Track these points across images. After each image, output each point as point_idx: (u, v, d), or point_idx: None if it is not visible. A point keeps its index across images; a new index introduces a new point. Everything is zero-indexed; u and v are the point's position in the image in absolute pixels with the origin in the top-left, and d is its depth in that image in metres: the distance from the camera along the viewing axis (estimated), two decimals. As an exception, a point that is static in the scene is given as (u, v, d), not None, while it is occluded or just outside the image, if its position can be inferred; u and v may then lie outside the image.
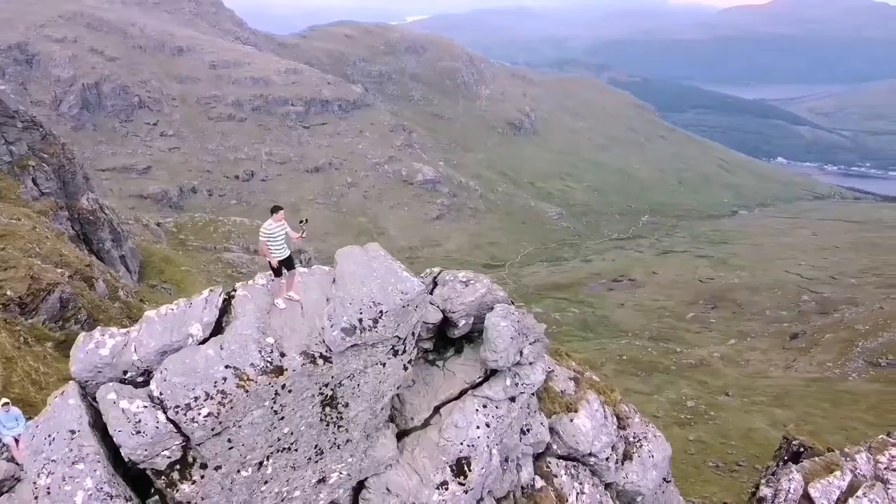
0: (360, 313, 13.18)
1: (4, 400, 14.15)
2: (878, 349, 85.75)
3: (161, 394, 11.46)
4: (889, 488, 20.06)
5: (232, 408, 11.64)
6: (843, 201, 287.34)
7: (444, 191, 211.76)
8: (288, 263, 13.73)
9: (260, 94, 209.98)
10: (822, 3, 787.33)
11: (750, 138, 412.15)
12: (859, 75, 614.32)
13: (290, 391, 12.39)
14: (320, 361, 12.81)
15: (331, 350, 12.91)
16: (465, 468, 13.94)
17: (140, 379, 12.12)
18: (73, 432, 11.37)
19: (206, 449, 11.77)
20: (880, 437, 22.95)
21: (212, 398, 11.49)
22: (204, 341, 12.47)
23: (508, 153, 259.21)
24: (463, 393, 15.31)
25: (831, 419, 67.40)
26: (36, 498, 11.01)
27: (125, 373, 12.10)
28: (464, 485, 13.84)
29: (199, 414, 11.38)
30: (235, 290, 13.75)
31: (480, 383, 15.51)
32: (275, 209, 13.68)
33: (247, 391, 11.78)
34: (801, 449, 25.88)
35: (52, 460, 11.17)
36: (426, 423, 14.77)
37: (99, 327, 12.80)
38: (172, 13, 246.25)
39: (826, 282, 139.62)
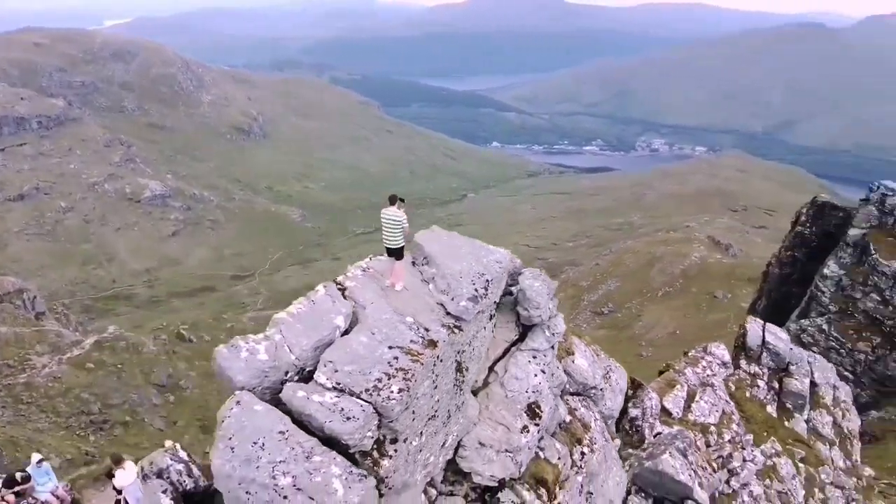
0: (474, 284, 15.11)
1: (39, 457, 14.29)
2: (599, 300, 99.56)
3: (338, 383, 12.16)
4: (717, 390, 25.41)
5: (415, 381, 12.52)
6: (551, 176, 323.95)
7: (177, 205, 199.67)
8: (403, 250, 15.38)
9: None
10: (513, 1, 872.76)
11: (467, 126, 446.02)
12: (548, 64, 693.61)
13: (441, 360, 13.54)
14: (456, 330, 14.24)
15: (461, 319, 14.48)
16: (537, 411, 15.65)
17: (296, 378, 12.61)
18: (283, 433, 11.49)
19: (399, 423, 12.35)
20: (690, 352, 28.22)
21: (394, 377, 12.38)
22: (345, 332, 13.42)
23: (240, 159, 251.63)
24: (506, 351, 16.91)
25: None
26: (285, 497, 10.80)
27: (286, 373, 12.57)
28: (539, 425, 15.59)
29: (392, 391, 12.13)
30: (343, 283, 14.81)
31: (517, 340, 17.23)
32: (396, 198, 15.31)
33: (422, 364, 12.85)
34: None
35: (281, 461, 11.05)
36: (486, 383, 16.26)
37: (237, 336, 12.99)
38: None
39: (550, 248, 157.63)
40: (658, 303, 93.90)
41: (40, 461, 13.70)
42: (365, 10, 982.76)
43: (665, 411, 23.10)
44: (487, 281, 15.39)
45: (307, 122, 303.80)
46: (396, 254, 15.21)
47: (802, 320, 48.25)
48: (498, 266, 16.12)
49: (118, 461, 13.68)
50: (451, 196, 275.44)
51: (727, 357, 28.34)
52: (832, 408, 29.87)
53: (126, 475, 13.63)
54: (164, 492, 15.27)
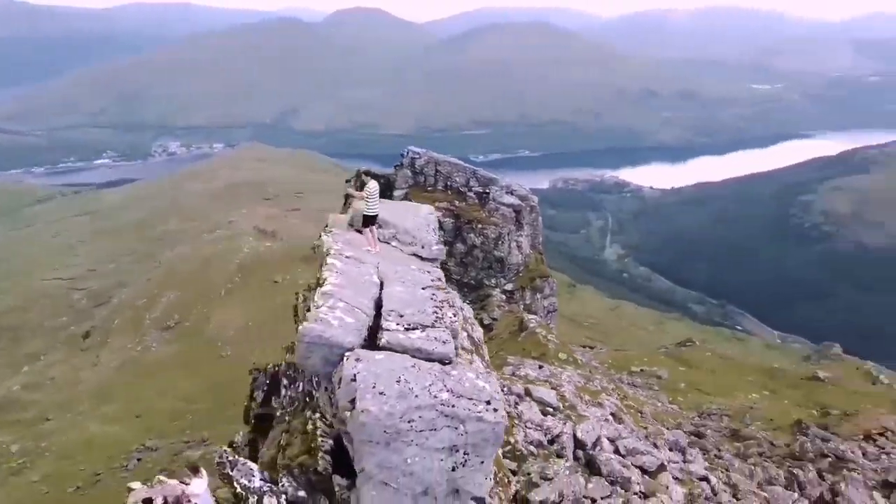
0: (429, 233, 19.41)
1: None
2: (162, 315, 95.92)
3: (409, 324, 14.40)
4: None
5: (455, 306, 15.65)
6: (66, 198, 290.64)
7: None
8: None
9: None
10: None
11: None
12: (31, 76, 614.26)
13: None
14: (437, 270, 18.34)
15: (436, 260, 18.94)
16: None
17: (366, 332, 14.37)
18: (413, 366, 13.20)
19: (459, 340, 14.86)
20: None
21: (442, 307, 15.24)
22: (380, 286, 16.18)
23: None
24: None
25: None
26: (453, 406, 12.43)
27: (367, 329, 14.35)
28: (456, 338, 18.32)
29: (450, 316, 14.94)
30: (342, 252, 17.31)
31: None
32: (371, 173, 16.96)
33: (449, 293, 16.13)
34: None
35: (430, 384, 12.73)
36: None
37: (317, 310, 14.37)
38: None
39: (88, 276, 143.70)
40: (223, 302, 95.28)
41: None
42: None
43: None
44: (433, 228, 19.88)
45: None
46: (374, 220, 18.40)
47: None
48: (432, 216, 20.91)
49: (196, 470, 14.70)
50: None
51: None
52: (465, 325, 38.87)
53: (201, 483, 14.48)
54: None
